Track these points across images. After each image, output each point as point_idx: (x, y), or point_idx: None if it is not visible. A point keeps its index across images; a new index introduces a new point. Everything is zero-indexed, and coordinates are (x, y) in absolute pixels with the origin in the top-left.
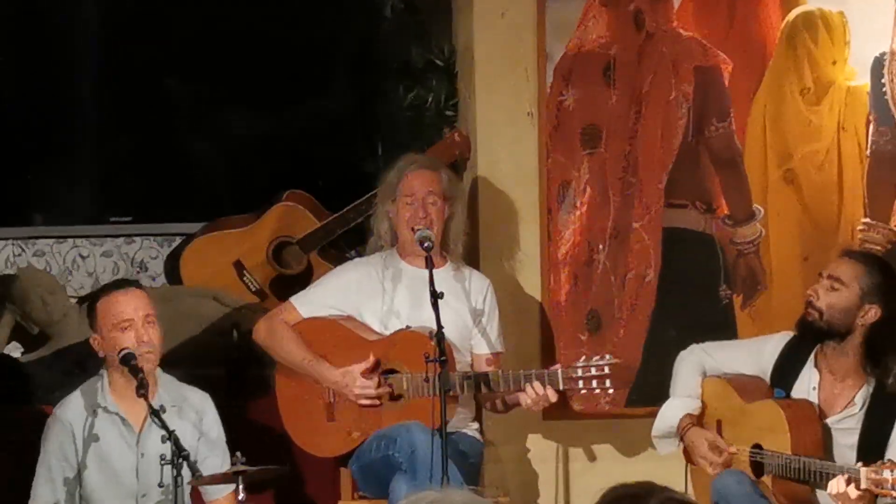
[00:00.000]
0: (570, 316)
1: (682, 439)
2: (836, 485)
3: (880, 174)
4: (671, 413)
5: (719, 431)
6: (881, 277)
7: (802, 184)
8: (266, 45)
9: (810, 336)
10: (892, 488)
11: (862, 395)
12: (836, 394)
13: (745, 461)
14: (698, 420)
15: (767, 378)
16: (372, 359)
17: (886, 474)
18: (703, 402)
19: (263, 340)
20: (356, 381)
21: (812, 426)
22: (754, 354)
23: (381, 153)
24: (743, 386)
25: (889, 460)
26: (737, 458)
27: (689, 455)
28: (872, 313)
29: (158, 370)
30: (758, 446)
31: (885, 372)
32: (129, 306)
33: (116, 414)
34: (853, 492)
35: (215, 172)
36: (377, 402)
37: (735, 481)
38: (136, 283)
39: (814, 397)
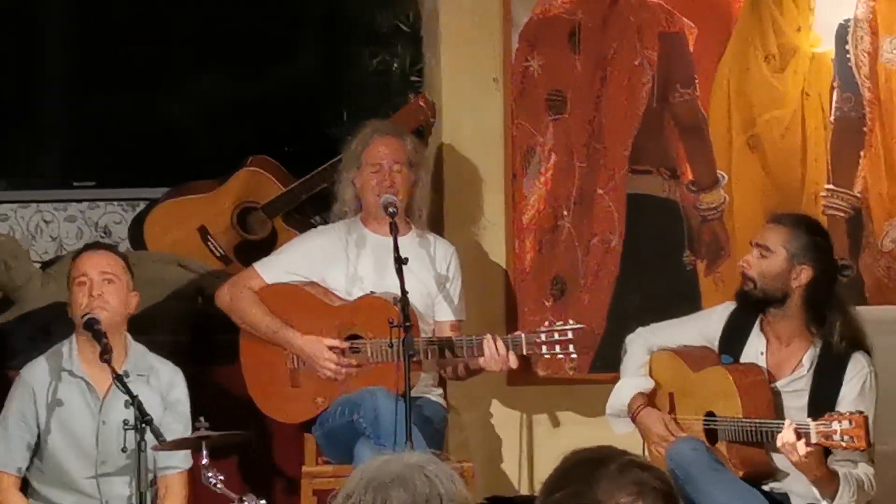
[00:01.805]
0: (535, 282)
1: (634, 421)
2: (785, 435)
3: (844, 141)
4: (624, 392)
5: (672, 405)
6: (807, 237)
7: (766, 150)
8: (232, 9)
9: (750, 306)
10: (842, 439)
11: (809, 357)
12: (784, 358)
13: (699, 430)
14: (650, 399)
15: (716, 348)
16: (344, 343)
17: (835, 426)
18: (653, 375)
19: (227, 306)
20: (322, 352)
21: (761, 389)
22: (701, 327)
23: (347, 119)
24: (691, 356)
25: (836, 412)
26: (690, 428)
27: (643, 437)
28: (804, 274)
29: (129, 338)
30: (710, 414)
31: (830, 330)
32: (89, 263)
33: (82, 378)
34: (802, 447)
35: (180, 138)
36: (341, 374)
37: (690, 448)
38: (110, 247)
39: (762, 363)
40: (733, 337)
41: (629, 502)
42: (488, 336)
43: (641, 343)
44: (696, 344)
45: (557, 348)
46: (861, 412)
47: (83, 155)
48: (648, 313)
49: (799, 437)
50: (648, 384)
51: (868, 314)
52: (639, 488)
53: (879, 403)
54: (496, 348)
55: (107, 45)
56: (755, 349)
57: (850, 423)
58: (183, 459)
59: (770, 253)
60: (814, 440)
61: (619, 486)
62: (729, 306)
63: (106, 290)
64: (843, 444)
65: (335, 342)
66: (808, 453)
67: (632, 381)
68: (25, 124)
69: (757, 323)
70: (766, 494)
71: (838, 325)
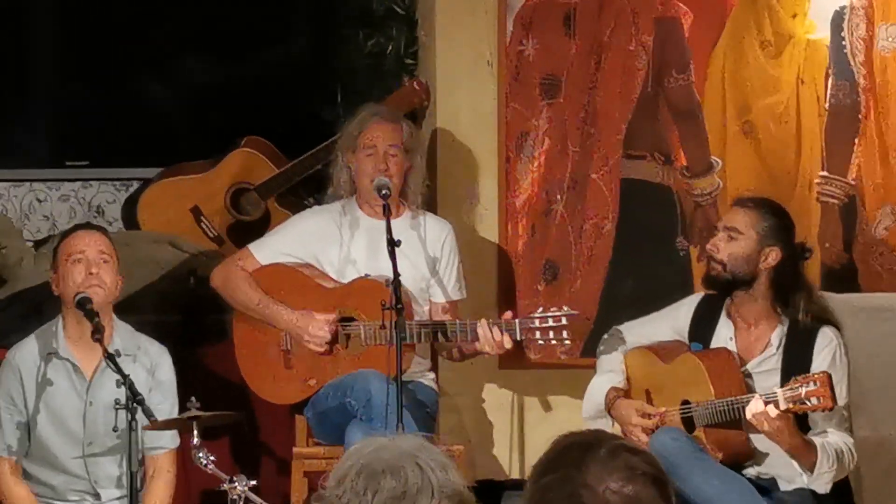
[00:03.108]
0: (528, 266)
1: (610, 415)
2: (754, 405)
3: (838, 128)
4: (596, 391)
5: (649, 400)
6: (775, 219)
7: (761, 136)
8: None
9: (718, 289)
10: (808, 400)
11: (777, 335)
12: (753, 340)
13: (676, 420)
14: (626, 394)
15: (686, 340)
16: (334, 315)
17: (801, 389)
18: (628, 375)
19: (220, 286)
20: (311, 323)
21: (732, 371)
22: (670, 320)
23: (341, 101)
24: (663, 349)
25: (800, 376)
26: (669, 420)
27: (621, 429)
28: (773, 256)
29: (115, 318)
30: (686, 402)
31: (796, 308)
32: (85, 240)
33: (68, 360)
34: (773, 410)
35: (173, 118)
36: (328, 347)
37: (670, 438)
38: (102, 230)
39: (732, 347)
40: (701, 326)
41: (619, 486)
42: (483, 321)
43: (614, 343)
44: (668, 338)
45: (551, 334)
46: (824, 372)
47: (76, 134)
48: (641, 298)
49: (767, 404)
50: (619, 378)
51: (861, 301)
52: (628, 472)
53: (872, 391)
54: (491, 334)
55: (99, 26)
56: (724, 335)
57: (815, 383)
58: (171, 439)
59: (739, 235)
60: (782, 406)
61: (609, 469)
62: (696, 297)
63: (102, 270)
64: (811, 405)
65: (328, 316)
66: (779, 417)
67: (601, 378)
68: (18, 104)
69: (723, 309)
70: (753, 481)
71: (803, 303)
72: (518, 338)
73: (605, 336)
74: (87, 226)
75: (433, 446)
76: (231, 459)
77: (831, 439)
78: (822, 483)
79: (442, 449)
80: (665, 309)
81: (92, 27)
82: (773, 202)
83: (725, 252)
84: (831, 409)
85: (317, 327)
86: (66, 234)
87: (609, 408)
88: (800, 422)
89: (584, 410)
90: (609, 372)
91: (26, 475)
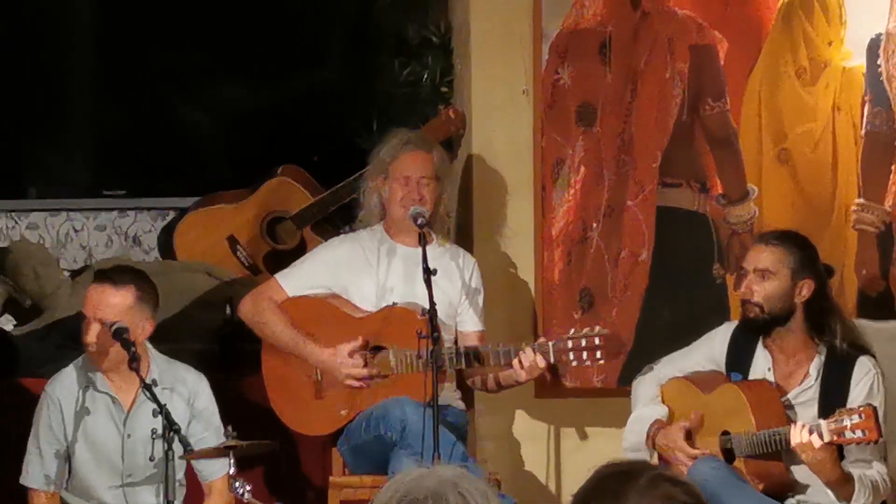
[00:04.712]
0: (563, 294)
1: (653, 446)
2: (799, 434)
3: (875, 155)
4: (641, 422)
5: (689, 433)
6: (801, 251)
7: (797, 164)
8: (262, 18)
9: (758, 332)
10: (853, 433)
11: (815, 366)
12: (791, 371)
13: (716, 451)
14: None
15: (723, 370)
16: (360, 340)
17: (846, 421)
18: (666, 405)
19: (249, 318)
20: (345, 362)
21: (773, 403)
22: (706, 351)
23: (376, 129)
24: (701, 379)
25: (845, 408)
26: (708, 450)
27: (664, 456)
28: (807, 288)
29: (151, 348)
30: (726, 433)
31: (832, 336)
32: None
33: (107, 393)
34: (817, 440)
35: (209, 146)
36: (364, 383)
37: (710, 468)
38: (129, 276)
39: (770, 379)
40: (739, 357)
41: None
42: (526, 349)
43: (651, 378)
44: (704, 368)
45: (585, 355)
46: (869, 404)
47: (113, 163)
48: (677, 327)
49: (811, 431)
50: (663, 410)
51: None
52: (668, 502)
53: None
54: (534, 358)
55: (136, 54)
56: (762, 367)
57: (861, 416)
58: (224, 464)
59: (771, 274)
60: (826, 438)
61: (648, 499)
62: (729, 327)
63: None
64: (856, 437)
65: (354, 343)
66: (823, 447)
67: (645, 411)
68: (56, 133)
69: (759, 340)
70: None
71: (839, 330)
72: (552, 360)
73: (639, 374)
74: (119, 277)
75: (473, 475)
76: (267, 489)
77: (868, 471)
78: None
79: (486, 475)
80: (697, 342)
81: (129, 56)
82: (794, 233)
83: (761, 294)
84: (876, 443)
85: (348, 365)
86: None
87: (653, 438)
88: (837, 449)
89: (626, 441)
90: (652, 405)
91: None
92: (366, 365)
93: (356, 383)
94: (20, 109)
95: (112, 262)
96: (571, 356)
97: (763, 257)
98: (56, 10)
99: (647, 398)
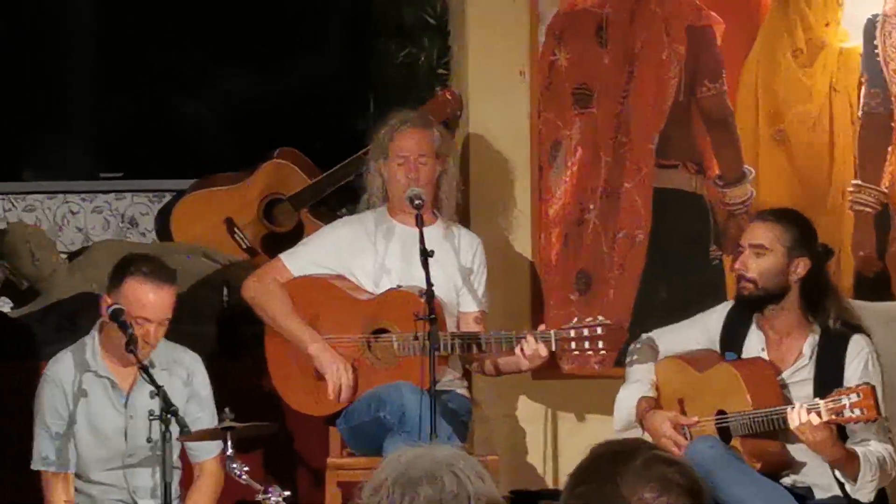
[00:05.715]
0: (560, 275)
1: (641, 425)
2: (798, 415)
3: (871, 136)
4: (625, 402)
5: (682, 409)
6: (798, 229)
7: (793, 145)
8: (259, 2)
9: (751, 307)
10: (852, 412)
11: (809, 345)
12: (785, 350)
13: (711, 431)
14: (657, 403)
15: (717, 349)
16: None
17: (844, 400)
18: (660, 383)
19: (253, 298)
20: (339, 371)
21: (769, 381)
22: (701, 329)
23: (373, 111)
24: (696, 358)
25: (843, 387)
26: (703, 429)
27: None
28: (802, 266)
29: None
30: (721, 413)
31: (826, 316)
32: (154, 308)
33: (106, 377)
34: (815, 419)
35: (207, 129)
36: (344, 399)
37: (707, 446)
38: (173, 279)
39: (764, 357)
40: (733, 336)
41: (652, 497)
42: (528, 337)
43: (645, 351)
44: (699, 346)
45: (587, 345)
46: (867, 383)
47: (110, 146)
48: (674, 308)
49: (809, 411)
50: (646, 388)
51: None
52: (662, 483)
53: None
54: (537, 346)
55: (134, 37)
56: (755, 346)
57: (859, 395)
58: (216, 445)
59: (766, 251)
60: (825, 417)
61: (643, 480)
62: (727, 305)
63: (159, 334)
64: (855, 416)
65: (350, 364)
66: (822, 427)
67: (629, 389)
68: (53, 116)
69: (753, 320)
70: (789, 490)
71: (833, 310)
72: (553, 349)
73: (634, 345)
74: (164, 277)
75: (469, 456)
76: (265, 470)
77: (872, 448)
78: (866, 492)
79: (475, 458)
80: (695, 316)
81: (126, 40)
82: (793, 212)
83: (755, 270)
84: (874, 421)
85: (340, 375)
86: (134, 269)
87: (641, 418)
88: (839, 431)
89: (615, 422)
90: (636, 382)
91: None
92: (368, 345)
93: (330, 395)
94: (18, 92)
95: (143, 256)
96: (573, 345)
97: (759, 233)
98: None
99: (636, 374)
